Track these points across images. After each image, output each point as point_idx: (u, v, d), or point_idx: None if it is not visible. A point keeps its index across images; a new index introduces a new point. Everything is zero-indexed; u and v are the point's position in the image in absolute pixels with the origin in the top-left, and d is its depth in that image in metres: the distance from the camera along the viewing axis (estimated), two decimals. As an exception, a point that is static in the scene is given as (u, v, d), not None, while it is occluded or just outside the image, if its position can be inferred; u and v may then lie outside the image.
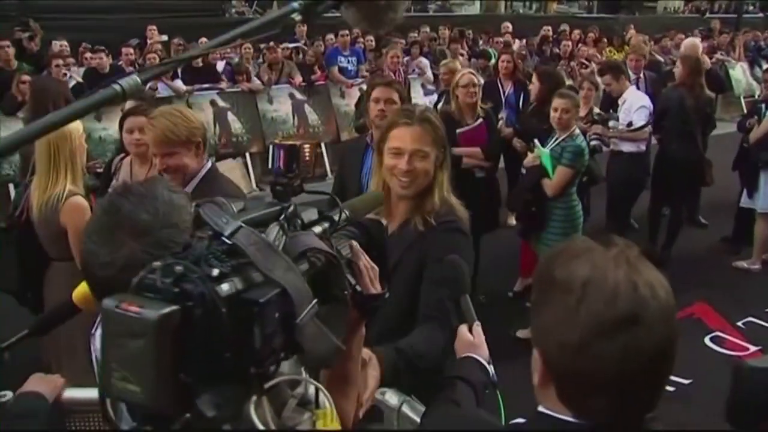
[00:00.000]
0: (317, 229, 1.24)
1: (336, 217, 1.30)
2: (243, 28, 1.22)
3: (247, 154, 9.66)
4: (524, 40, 13.25)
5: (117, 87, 1.05)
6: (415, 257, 2.35)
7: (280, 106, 10.01)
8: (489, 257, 5.87)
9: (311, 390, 1.23)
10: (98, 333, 1.42)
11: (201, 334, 0.94)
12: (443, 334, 2.20)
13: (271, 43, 10.18)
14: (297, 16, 1.27)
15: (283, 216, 1.17)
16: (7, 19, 10.60)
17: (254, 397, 1.04)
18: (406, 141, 2.40)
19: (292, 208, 1.21)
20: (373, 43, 11.39)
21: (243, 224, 1.06)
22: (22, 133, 1.04)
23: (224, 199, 1.16)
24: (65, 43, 8.75)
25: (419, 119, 2.42)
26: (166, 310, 0.92)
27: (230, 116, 9.63)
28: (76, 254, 3.22)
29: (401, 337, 2.20)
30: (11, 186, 7.04)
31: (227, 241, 1.04)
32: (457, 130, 5.45)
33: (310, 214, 1.27)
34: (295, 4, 1.27)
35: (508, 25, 13.59)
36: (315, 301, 1.07)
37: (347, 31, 10.55)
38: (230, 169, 8.43)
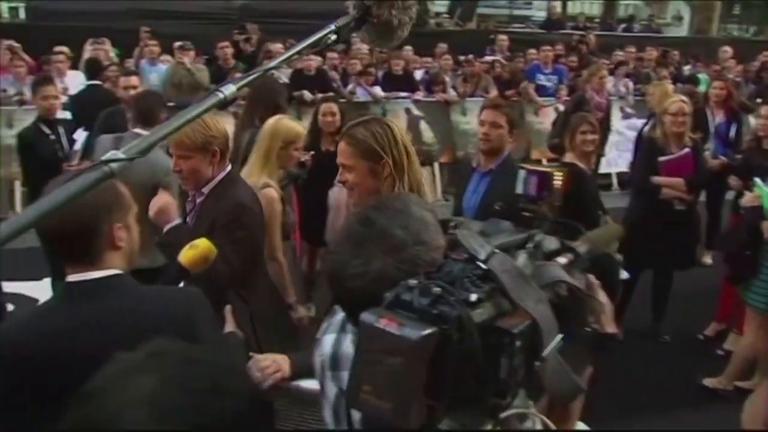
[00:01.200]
0: (562, 260, 1.19)
1: (580, 250, 1.24)
2: (293, 50, 1.43)
3: (436, 164, 9.76)
4: (740, 66, 12.29)
5: (220, 94, 1.21)
6: None
7: (473, 118, 10.01)
8: (680, 295, 5.54)
9: (538, 425, 1.18)
10: (327, 338, 1.46)
11: (453, 358, 0.93)
12: None
13: (470, 56, 10.22)
14: (332, 36, 1.47)
15: (530, 244, 1.15)
16: (228, 21, 11.50)
17: (488, 427, 1.02)
18: (339, 156, 2.50)
19: (538, 236, 1.17)
20: (576, 63, 11.07)
21: (497, 250, 1.05)
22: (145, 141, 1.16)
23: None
24: (280, 45, 9.31)
25: (343, 134, 2.51)
26: (427, 331, 0.91)
27: (423, 125, 9.78)
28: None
29: None
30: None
31: (482, 266, 1.02)
32: (660, 158, 5.17)
33: (551, 243, 1.22)
34: (332, 26, 1.47)
35: (727, 50, 12.55)
36: (560, 336, 1.04)
37: (550, 47, 10.35)
38: (418, 177, 8.55)
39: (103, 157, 1.12)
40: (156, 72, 9.37)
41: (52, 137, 5.41)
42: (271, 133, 3.82)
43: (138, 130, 4.20)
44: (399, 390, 0.92)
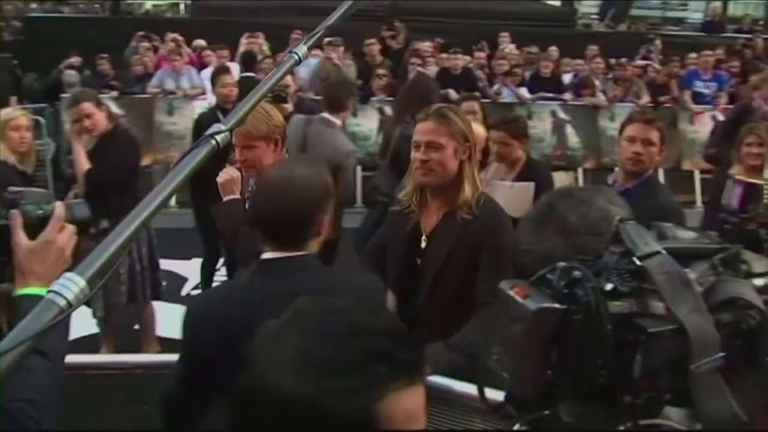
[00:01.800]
0: (759, 281, 1.10)
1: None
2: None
3: (580, 169, 9.46)
4: None
5: (213, 141, 1.18)
6: (466, 247, 2.43)
7: (621, 124, 9.59)
8: None
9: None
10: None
11: (577, 340, 0.97)
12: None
13: (623, 60, 9.80)
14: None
15: (720, 256, 1.08)
16: (376, 18, 11.64)
17: (622, 427, 1.02)
18: (422, 134, 2.60)
19: (735, 251, 1.10)
20: (738, 68, 10.34)
21: (663, 251, 1.03)
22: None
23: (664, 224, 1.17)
24: (428, 44, 9.37)
25: (434, 114, 2.62)
26: (546, 305, 0.98)
27: (569, 129, 9.49)
28: None
29: (460, 325, 2.36)
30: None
31: (636, 262, 1.03)
32: None
33: (761, 266, 1.13)
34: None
35: None
36: (720, 354, 0.99)
37: (710, 51, 9.73)
38: (560, 181, 8.33)
39: (208, 132, 1.19)
40: (305, 66, 9.62)
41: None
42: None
43: (326, 115, 4.63)
44: (517, 356, 1.01)
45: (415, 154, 2.62)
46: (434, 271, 2.58)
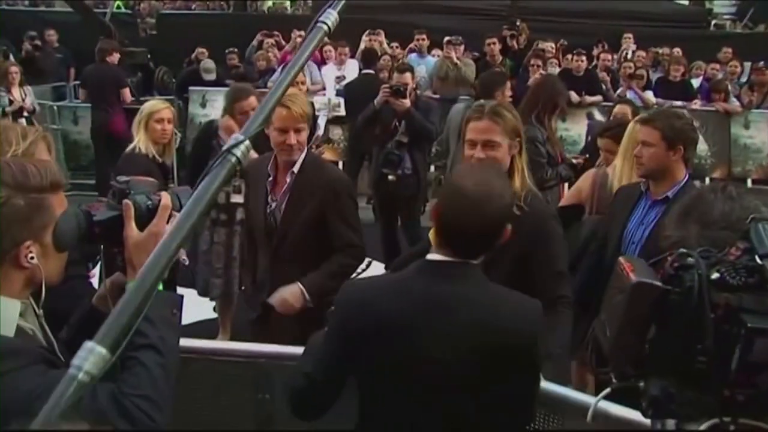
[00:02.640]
0: None
1: None
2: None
3: (707, 179, 8.95)
4: None
5: (233, 158, 1.14)
6: (514, 242, 2.28)
7: (757, 132, 9.01)
8: None
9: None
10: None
11: (676, 320, 1.05)
12: (568, 315, 2.56)
13: (761, 64, 9.20)
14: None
15: None
16: (497, 17, 11.49)
17: (709, 422, 1.05)
18: (478, 133, 2.64)
19: None
20: None
21: None
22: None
23: None
24: (551, 44, 9.14)
25: (489, 113, 2.66)
26: (646, 280, 1.07)
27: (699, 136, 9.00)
28: None
29: None
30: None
31: (758, 260, 1.05)
32: None
33: None
34: None
35: None
36: None
37: None
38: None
39: (225, 147, 1.17)
40: (424, 64, 9.61)
41: None
42: (629, 135, 3.54)
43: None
44: (616, 324, 1.11)
45: (470, 152, 2.67)
46: (484, 264, 2.58)
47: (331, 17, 1.35)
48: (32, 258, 1.46)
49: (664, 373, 1.07)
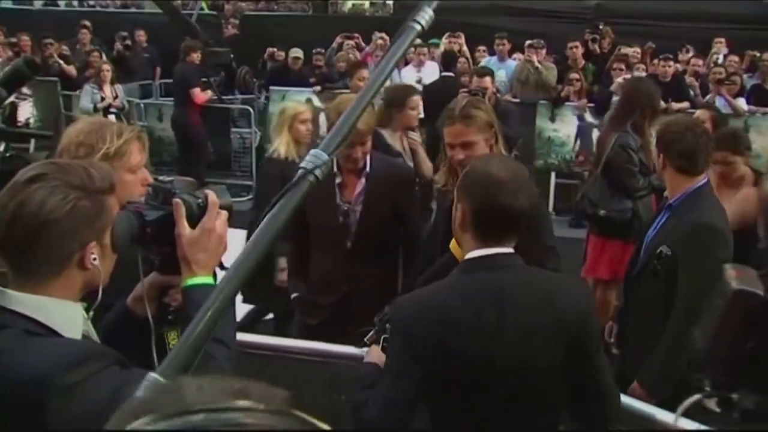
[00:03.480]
0: None
1: None
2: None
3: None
4: None
5: (312, 178, 1.11)
6: None
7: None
8: None
9: None
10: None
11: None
12: None
13: None
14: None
15: None
16: (581, 20, 11.22)
17: None
18: (453, 137, 2.81)
19: None
20: None
21: None
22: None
23: None
24: (637, 49, 8.88)
25: (459, 117, 2.80)
26: (747, 288, 1.10)
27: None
28: None
29: None
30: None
31: None
32: None
33: None
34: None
35: None
36: None
37: None
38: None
39: (303, 164, 1.16)
40: (504, 68, 9.49)
41: None
42: None
43: None
44: (714, 330, 1.14)
45: (450, 153, 2.84)
46: None
47: (425, 16, 1.31)
48: (95, 259, 1.47)
49: (760, 387, 1.06)
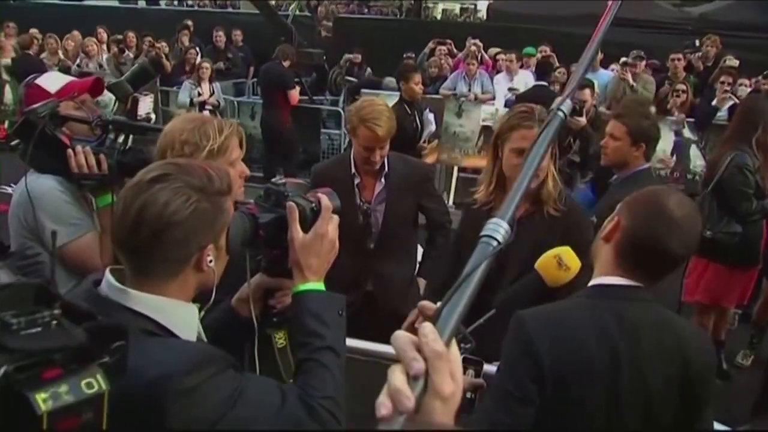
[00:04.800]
0: None
1: None
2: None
3: None
4: None
5: (494, 243, 1.07)
6: (552, 241, 2.34)
7: None
8: None
9: None
10: None
11: None
12: None
13: None
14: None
15: None
16: (682, 32, 10.82)
17: None
18: (530, 141, 2.22)
19: None
20: None
21: None
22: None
23: None
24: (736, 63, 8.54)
25: (539, 120, 2.60)
26: None
27: None
28: None
29: None
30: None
31: None
32: None
33: None
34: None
35: None
36: None
37: None
38: None
39: (486, 232, 1.11)
40: (596, 79, 9.22)
41: (411, 117, 6.73)
42: None
43: None
44: None
45: (519, 160, 2.57)
46: (519, 262, 2.55)
47: (567, 105, 1.26)
48: (210, 261, 1.46)
49: None
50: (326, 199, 1.64)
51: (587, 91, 5.78)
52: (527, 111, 2.69)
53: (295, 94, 8.99)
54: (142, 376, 1.30)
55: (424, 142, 7.50)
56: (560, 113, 1.21)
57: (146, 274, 1.42)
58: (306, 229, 1.60)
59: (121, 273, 1.45)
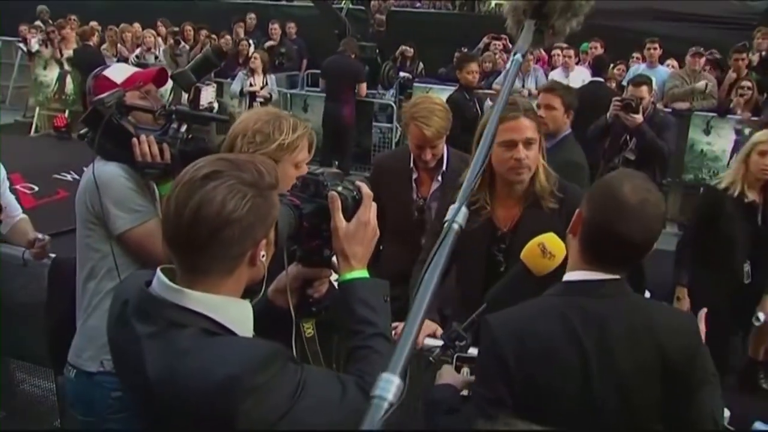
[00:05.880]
0: None
1: None
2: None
3: None
4: None
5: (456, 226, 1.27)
6: (559, 234, 2.19)
7: None
8: None
9: None
10: None
11: None
12: None
13: None
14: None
15: None
16: (746, 27, 10.47)
17: None
18: (517, 132, 2.56)
19: None
20: None
21: None
22: None
23: None
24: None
25: (525, 110, 2.60)
26: None
27: None
28: None
29: None
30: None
31: None
32: None
33: None
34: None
35: None
36: None
37: None
38: None
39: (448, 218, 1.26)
40: (654, 76, 9.02)
41: (470, 102, 6.88)
42: None
43: None
44: None
45: (509, 153, 2.58)
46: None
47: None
48: (263, 256, 1.45)
49: None
50: (366, 187, 1.64)
51: (644, 88, 5.63)
52: (511, 102, 2.59)
53: (364, 87, 9.09)
54: (210, 377, 1.30)
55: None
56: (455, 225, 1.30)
57: (202, 272, 1.41)
58: (348, 217, 1.60)
59: (173, 272, 1.45)
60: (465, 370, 2.02)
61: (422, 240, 3.41)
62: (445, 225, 1.31)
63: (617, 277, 1.79)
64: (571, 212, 2.35)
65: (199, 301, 1.40)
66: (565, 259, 1.96)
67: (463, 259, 2.75)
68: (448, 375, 2.03)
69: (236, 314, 1.44)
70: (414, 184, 3.44)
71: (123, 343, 1.47)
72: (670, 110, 8.28)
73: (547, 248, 2.04)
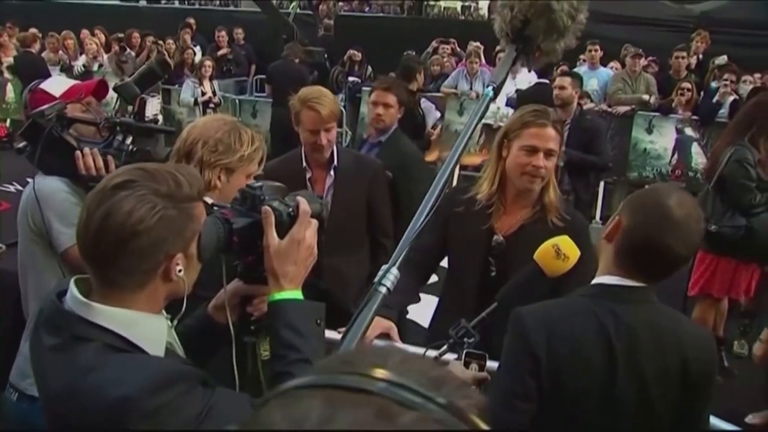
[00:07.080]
0: None
1: None
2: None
3: None
4: None
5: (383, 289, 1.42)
6: None
7: None
8: None
9: None
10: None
11: None
12: None
13: None
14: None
15: None
16: (683, 29, 10.76)
17: None
18: (542, 141, 2.54)
19: None
20: None
21: None
22: None
23: None
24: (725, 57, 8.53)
25: (552, 120, 2.57)
26: None
27: None
28: None
29: None
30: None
31: None
32: None
33: None
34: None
35: None
36: None
37: None
38: None
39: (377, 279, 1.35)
40: (596, 77, 9.22)
41: (417, 105, 6.75)
42: None
43: None
44: None
45: (528, 159, 2.56)
46: (522, 268, 2.38)
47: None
48: (180, 271, 1.38)
49: None
50: (305, 203, 1.57)
51: (567, 80, 5.80)
52: (540, 110, 2.62)
53: (306, 91, 9.00)
54: (103, 396, 1.24)
55: (432, 128, 7.73)
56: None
57: (112, 285, 1.35)
58: (282, 234, 1.53)
59: (88, 283, 1.40)
60: (474, 366, 2.02)
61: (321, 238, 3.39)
62: (373, 287, 1.33)
63: (648, 285, 1.81)
64: (576, 238, 2.40)
65: (107, 315, 1.34)
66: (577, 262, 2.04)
67: (458, 257, 2.79)
68: (457, 372, 2.01)
69: (147, 331, 1.38)
70: (309, 184, 3.41)
71: (33, 354, 1.41)
72: (612, 111, 8.49)
73: (562, 250, 2.08)
